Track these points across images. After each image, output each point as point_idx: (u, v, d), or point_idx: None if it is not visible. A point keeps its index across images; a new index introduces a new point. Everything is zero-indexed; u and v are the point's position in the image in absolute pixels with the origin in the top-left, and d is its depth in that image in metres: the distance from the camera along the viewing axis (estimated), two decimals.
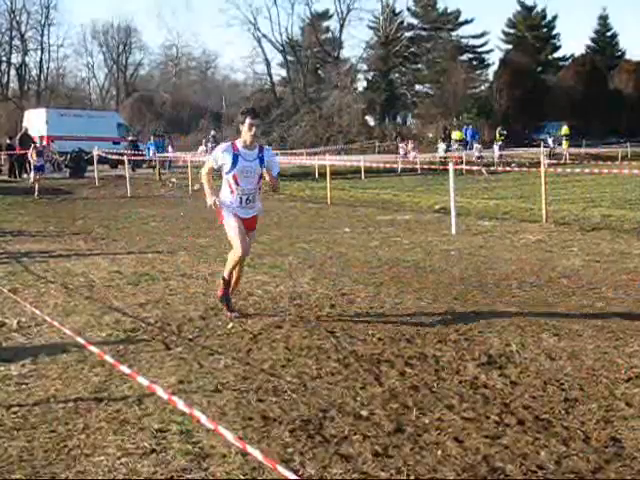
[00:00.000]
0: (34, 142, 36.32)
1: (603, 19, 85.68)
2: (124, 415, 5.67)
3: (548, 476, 4.62)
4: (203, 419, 4.53)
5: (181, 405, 4.79)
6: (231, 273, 8.66)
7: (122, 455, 4.96)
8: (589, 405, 5.76)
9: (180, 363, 6.98)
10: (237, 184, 8.27)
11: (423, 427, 5.37)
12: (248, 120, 8.21)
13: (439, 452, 4.95)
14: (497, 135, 57.62)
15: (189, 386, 6.34)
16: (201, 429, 5.23)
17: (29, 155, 30.47)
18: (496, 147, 46.74)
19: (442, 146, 49.68)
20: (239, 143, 8.30)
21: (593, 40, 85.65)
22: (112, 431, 5.36)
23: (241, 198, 8.35)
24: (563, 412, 5.63)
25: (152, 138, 44.26)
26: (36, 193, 27.64)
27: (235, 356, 7.18)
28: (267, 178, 8.50)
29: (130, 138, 45.93)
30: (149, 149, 41.89)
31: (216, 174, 8.56)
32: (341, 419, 5.53)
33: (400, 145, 49.09)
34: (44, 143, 38.10)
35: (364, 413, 5.65)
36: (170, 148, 47.81)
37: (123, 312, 9.03)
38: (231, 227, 8.36)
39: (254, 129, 8.21)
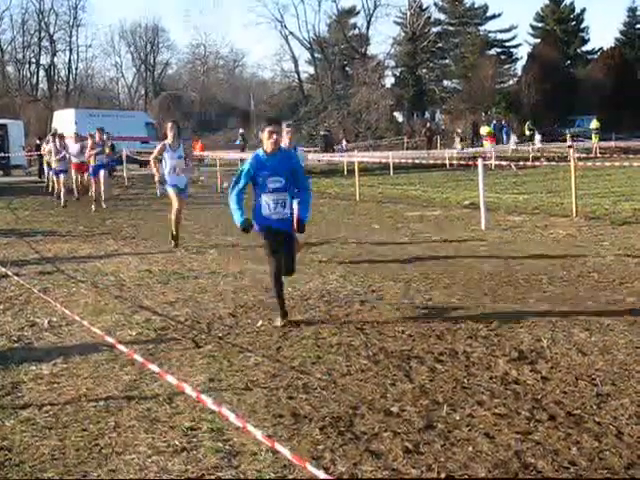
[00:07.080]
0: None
1: (632, 11, 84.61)
2: (155, 414, 5.70)
3: (580, 472, 4.58)
4: (232, 417, 4.53)
5: (210, 403, 4.80)
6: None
7: (153, 453, 4.98)
8: (621, 400, 5.70)
9: (210, 361, 7.00)
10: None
11: (454, 423, 5.35)
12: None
13: (470, 448, 4.93)
14: (526, 129, 57.38)
15: (219, 384, 6.36)
16: (232, 427, 5.23)
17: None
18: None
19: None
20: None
21: (622, 33, 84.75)
22: (143, 430, 5.39)
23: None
24: (595, 407, 5.58)
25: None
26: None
27: (265, 354, 7.19)
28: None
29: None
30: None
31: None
32: (371, 416, 5.52)
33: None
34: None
35: (394, 410, 5.64)
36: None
37: (153, 311, 9.08)
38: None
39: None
